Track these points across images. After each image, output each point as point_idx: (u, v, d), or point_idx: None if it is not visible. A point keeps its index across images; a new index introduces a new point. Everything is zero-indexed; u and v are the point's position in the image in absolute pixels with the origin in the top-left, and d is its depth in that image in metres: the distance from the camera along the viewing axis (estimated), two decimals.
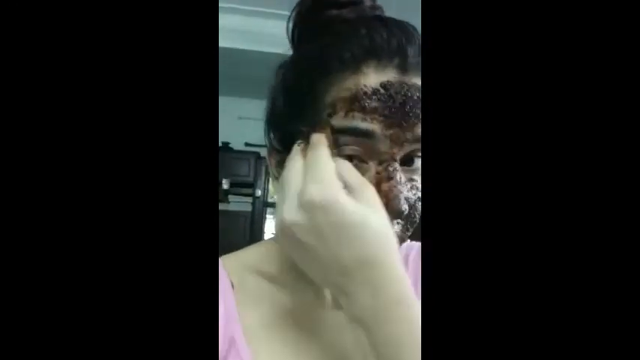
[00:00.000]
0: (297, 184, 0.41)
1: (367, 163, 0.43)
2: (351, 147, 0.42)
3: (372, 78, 0.42)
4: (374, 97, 0.42)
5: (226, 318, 0.48)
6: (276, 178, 0.48)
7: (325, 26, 0.46)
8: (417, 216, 0.45)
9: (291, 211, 0.40)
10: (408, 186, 0.44)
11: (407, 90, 0.42)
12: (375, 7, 0.48)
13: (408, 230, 0.45)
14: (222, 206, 3.73)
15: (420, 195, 0.45)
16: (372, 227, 0.38)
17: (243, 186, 4.14)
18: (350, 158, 0.43)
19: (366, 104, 0.42)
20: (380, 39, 0.43)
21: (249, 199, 4.15)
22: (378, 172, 0.43)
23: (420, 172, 0.45)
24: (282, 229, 0.40)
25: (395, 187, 0.42)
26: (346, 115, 0.42)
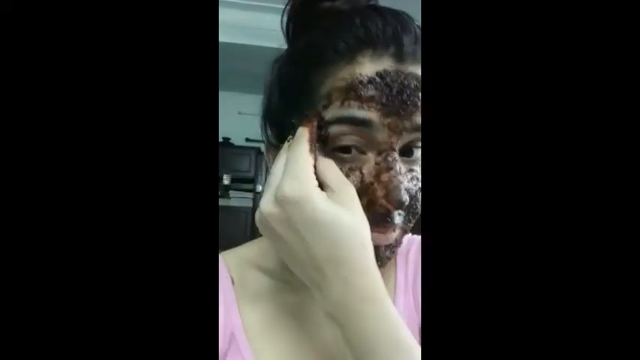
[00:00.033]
0: (277, 178, 0.41)
1: (366, 153, 0.43)
2: (349, 137, 0.42)
3: (368, 67, 0.42)
4: (370, 85, 0.41)
5: (226, 314, 0.49)
6: None
7: (319, 19, 0.46)
8: (419, 207, 0.45)
9: (268, 204, 0.41)
10: (409, 177, 0.43)
11: (404, 78, 0.42)
12: None
13: (409, 222, 0.45)
14: (223, 202, 3.73)
15: (420, 185, 0.44)
16: (342, 227, 0.39)
17: (244, 181, 4.14)
18: (349, 149, 0.42)
19: (363, 93, 0.41)
20: (375, 28, 0.43)
21: (250, 195, 4.16)
22: (377, 163, 0.42)
23: (419, 162, 0.45)
24: (260, 219, 0.41)
25: (395, 177, 0.41)
26: (342, 104, 0.42)
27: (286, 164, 0.42)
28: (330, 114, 0.42)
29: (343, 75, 0.42)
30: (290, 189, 0.39)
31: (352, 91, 0.42)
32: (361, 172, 0.43)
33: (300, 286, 0.50)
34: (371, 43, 0.43)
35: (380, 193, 0.42)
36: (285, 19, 0.48)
